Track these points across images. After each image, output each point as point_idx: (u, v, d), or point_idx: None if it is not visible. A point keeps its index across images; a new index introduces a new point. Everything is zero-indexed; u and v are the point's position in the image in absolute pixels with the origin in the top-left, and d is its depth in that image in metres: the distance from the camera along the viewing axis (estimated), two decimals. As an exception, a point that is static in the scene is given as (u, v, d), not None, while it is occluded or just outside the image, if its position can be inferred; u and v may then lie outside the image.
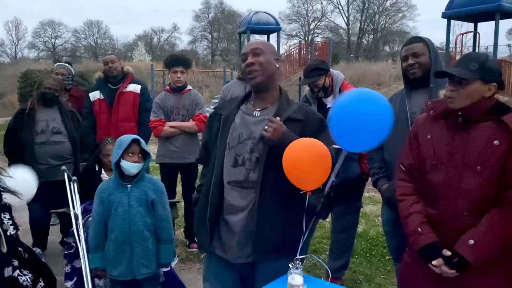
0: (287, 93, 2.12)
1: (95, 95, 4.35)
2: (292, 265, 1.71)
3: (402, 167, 2.11)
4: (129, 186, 2.58)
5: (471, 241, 1.79)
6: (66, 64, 4.97)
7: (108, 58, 4.37)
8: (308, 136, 1.85)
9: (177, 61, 4.13)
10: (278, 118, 1.87)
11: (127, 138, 2.57)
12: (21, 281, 2.35)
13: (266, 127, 1.85)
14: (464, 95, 1.83)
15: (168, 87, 4.23)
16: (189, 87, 4.21)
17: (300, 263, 1.72)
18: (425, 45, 2.51)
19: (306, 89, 3.54)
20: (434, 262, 1.86)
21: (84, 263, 2.38)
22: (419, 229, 1.93)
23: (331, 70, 3.31)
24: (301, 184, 1.80)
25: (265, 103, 2.01)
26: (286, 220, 1.92)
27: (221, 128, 2.01)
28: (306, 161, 1.73)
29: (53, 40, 49.29)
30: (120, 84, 4.32)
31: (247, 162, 1.92)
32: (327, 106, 3.27)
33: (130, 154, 2.56)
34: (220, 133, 2.01)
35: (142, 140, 2.61)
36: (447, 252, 1.84)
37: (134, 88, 4.35)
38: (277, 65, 2.00)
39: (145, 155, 2.61)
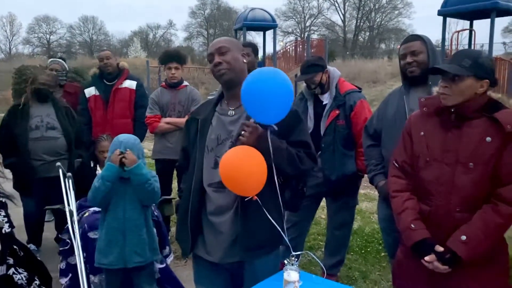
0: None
1: (90, 92, 4.34)
2: (288, 262, 1.71)
3: (395, 164, 2.12)
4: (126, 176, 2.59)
5: (464, 237, 1.80)
6: (60, 60, 4.94)
7: (103, 54, 4.35)
8: (284, 129, 1.86)
9: (171, 57, 4.11)
10: (252, 121, 1.85)
11: (117, 146, 2.56)
12: (16, 279, 2.33)
13: (242, 132, 1.84)
14: (457, 91, 1.84)
15: (164, 83, 4.21)
16: (185, 83, 4.19)
17: (296, 260, 1.72)
18: (423, 43, 2.51)
19: (302, 85, 3.53)
20: (426, 258, 1.88)
21: (79, 260, 2.37)
22: (412, 225, 1.94)
23: (327, 67, 3.31)
24: (245, 193, 1.80)
25: (238, 100, 1.99)
26: (270, 215, 1.92)
27: (199, 132, 2.01)
28: (238, 174, 1.73)
29: (48, 36, 49.04)
30: (115, 80, 4.30)
31: None
32: (324, 103, 3.27)
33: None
34: (198, 137, 2.01)
35: (130, 148, 2.57)
36: (439, 248, 1.86)
37: (130, 84, 4.34)
38: (245, 61, 2.01)
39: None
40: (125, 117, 4.26)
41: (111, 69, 4.30)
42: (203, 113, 2.07)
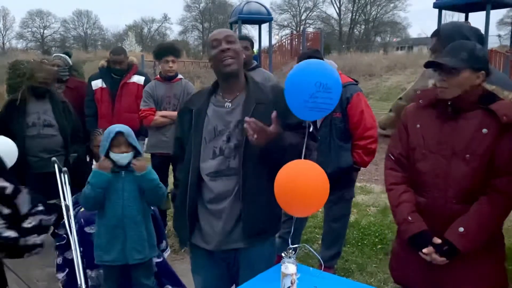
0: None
1: (97, 84, 4.34)
2: (285, 254, 1.71)
3: (391, 156, 2.13)
4: (123, 172, 2.58)
5: (461, 229, 1.81)
6: (63, 55, 4.89)
7: (117, 59, 4.29)
8: (283, 111, 1.79)
9: (167, 50, 4.09)
10: (253, 119, 1.75)
11: (112, 130, 2.54)
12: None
13: (249, 136, 1.76)
14: (455, 84, 1.84)
15: (158, 76, 4.19)
16: (179, 76, 4.17)
17: (293, 252, 1.72)
18: None
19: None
20: (424, 250, 1.88)
21: (75, 255, 2.36)
22: (409, 218, 1.95)
23: (324, 59, 3.30)
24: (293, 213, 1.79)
25: (234, 92, 2.00)
26: (270, 202, 1.90)
27: (194, 123, 2.00)
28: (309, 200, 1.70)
29: (41, 31, 48.64)
30: (124, 74, 4.31)
31: (226, 150, 1.93)
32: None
33: (116, 146, 2.55)
34: (193, 128, 2.00)
35: (127, 132, 2.57)
36: (437, 240, 1.87)
37: (138, 79, 4.37)
38: (244, 56, 2.06)
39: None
40: (132, 111, 4.24)
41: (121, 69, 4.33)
42: (197, 104, 2.05)
